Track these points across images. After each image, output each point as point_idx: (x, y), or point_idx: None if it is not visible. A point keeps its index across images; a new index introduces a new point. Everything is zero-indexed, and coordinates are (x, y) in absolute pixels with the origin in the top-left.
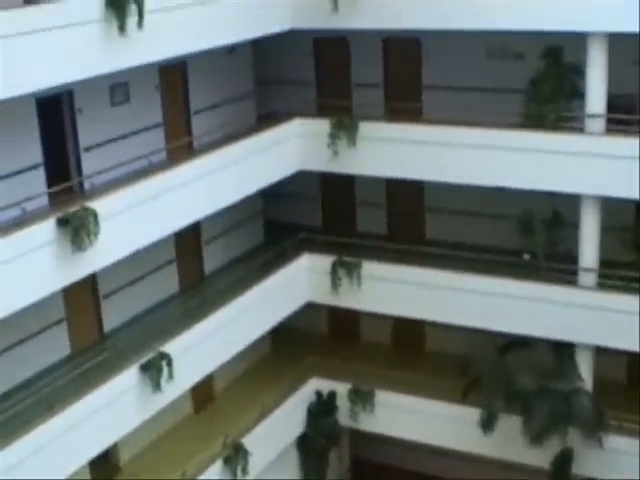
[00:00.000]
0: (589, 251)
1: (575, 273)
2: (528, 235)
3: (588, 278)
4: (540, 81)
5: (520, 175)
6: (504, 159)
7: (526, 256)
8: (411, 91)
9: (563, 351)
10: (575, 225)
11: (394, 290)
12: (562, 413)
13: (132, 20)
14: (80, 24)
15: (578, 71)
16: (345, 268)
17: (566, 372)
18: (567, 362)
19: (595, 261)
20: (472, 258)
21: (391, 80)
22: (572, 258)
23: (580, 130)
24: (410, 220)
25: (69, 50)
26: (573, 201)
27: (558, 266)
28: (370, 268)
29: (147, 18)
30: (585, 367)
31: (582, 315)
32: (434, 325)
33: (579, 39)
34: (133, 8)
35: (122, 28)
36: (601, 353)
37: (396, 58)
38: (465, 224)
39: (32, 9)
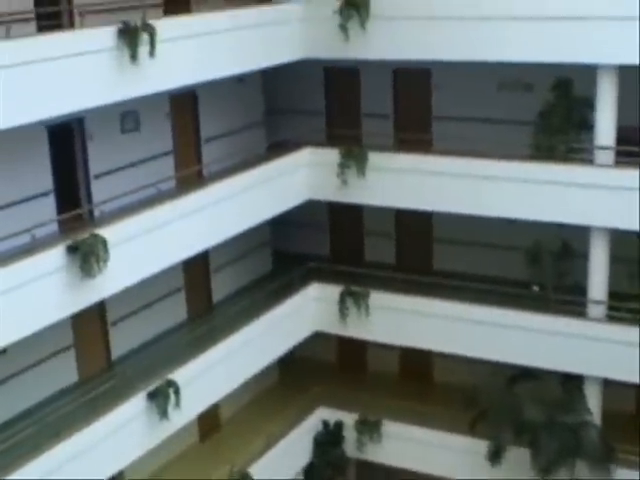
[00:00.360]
0: (598, 283)
1: (584, 305)
2: (537, 266)
3: (597, 310)
4: (550, 113)
5: (529, 206)
6: (513, 190)
7: (535, 288)
8: (421, 122)
9: (572, 383)
10: (584, 257)
11: (402, 320)
12: (570, 446)
13: (144, 49)
14: (92, 52)
15: (588, 103)
16: (353, 298)
17: (575, 405)
18: (576, 394)
19: (604, 293)
20: (480, 289)
21: (401, 110)
22: (581, 290)
23: (589, 162)
24: (418, 250)
25: (81, 78)
26: (582, 233)
27: (567, 298)
28: (378, 298)
29: (159, 47)
30: (594, 400)
31: (591, 347)
32: (442, 356)
33: (589, 71)
34: (145, 37)
35: (134, 57)
36: (610, 386)
37: (406, 88)
38: (473, 255)
39: (44, 37)
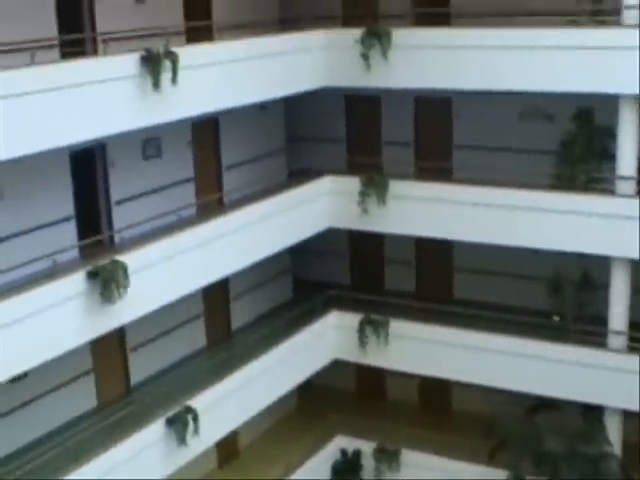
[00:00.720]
0: (619, 313)
1: (605, 335)
2: (557, 296)
3: (618, 341)
4: (571, 142)
5: (550, 236)
6: (534, 220)
7: (555, 317)
8: (442, 150)
9: (592, 414)
10: (605, 287)
11: (421, 349)
12: (591, 477)
13: (166, 76)
14: (115, 79)
15: (609, 133)
16: (373, 326)
17: (595, 435)
18: (596, 425)
19: (625, 324)
20: (501, 318)
21: (422, 138)
22: (602, 320)
23: (611, 192)
24: (439, 279)
25: (104, 105)
26: (603, 263)
27: (587, 328)
28: (398, 326)
29: (181, 74)
30: (614, 431)
31: (611, 378)
32: (462, 385)
33: (610, 101)
34: (167, 64)
35: (156, 84)
36: (630, 417)
37: (427, 117)
38: (494, 284)
39: (68, 64)
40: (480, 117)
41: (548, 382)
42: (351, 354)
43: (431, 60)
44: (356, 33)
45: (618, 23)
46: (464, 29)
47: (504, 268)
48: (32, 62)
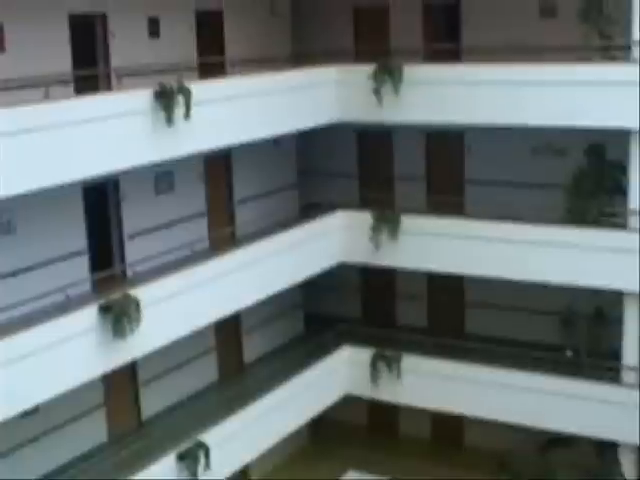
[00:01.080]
0: (632, 348)
1: (618, 370)
2: (570, 331)
3: (631, 376)
4: (582, 177)
5: (562, 271)
6: (546, 254)
7: (568, 352)
8: (453, 185)
9: (606, 450)
10: (618, 321)
11: (434, 384)
12: None
13: (179, 111)
14: (129, 114)
15: (620, 168)
16: (385, 361)
17: (610, 472)
18: (610, 461)
19: (638, 359)
20: (513, 353)
21: (434, 173)
22: (615, 355)
23: (622, 226)
24: (450, 313)
25: (117, 139)
26: (616, 297)
27: (601, 363)
28: (410, 361)
29: (194, 110)
30: (629, 467)
31: (625, 414)
32: (474, 420)
33: (621, 136)
34: (180, 100)
35: (169, 119)
36: None
37: (439, 152)
38: (506, 318)
39: (82, 100)
40: (492, 152)
41: (561, 417)
42: (363, 389)
43: (442, 95)
44: (368, 69)
45: (628, 59)
46: (475, 65)
47: (516, 302)
48: (46, 97)
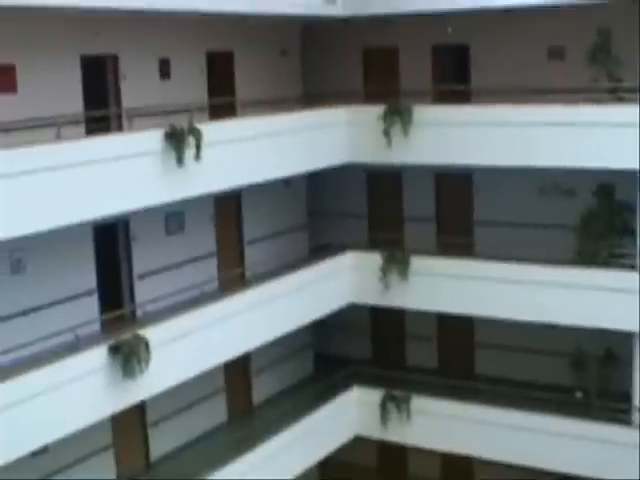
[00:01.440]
0: None
1: (629, 412)
2: (580, 372)
3: None
4: (592, 218)
5: (571, 311)
6: (555, 295)
7: (578, 394)
8: (463, 225)
9: None
10: (628, 363)
11: (444, 426)
12: None
13: (190, 152)
14: (139, 155)
15: (629, 208)
16: (394, 402)
17: None
18: None
19: None
20: (523, 395)
21: (443, 214)
22: (626, 397)
23: (631, 267)
24: (460, 354)
25: (128, 180)
26: (626, 338)
27: (611, 404)
28: (420, 403)
29: (204, 150)
30: None
31: (635, 455)
32: (484, 461)
33: (630, 176)
34: (191, 141)
35: (180, 160)
36: None
37: (448, 192)
38: (516, 359)
39: (93, 140)
40: (501, 192)
41: (571, 459)
42: (373, 430)
43: (452, 137)
44: (378, 110)
45: (637, 100)
46: (484, 106)
47: (526, 343)
48: (58, 137)
